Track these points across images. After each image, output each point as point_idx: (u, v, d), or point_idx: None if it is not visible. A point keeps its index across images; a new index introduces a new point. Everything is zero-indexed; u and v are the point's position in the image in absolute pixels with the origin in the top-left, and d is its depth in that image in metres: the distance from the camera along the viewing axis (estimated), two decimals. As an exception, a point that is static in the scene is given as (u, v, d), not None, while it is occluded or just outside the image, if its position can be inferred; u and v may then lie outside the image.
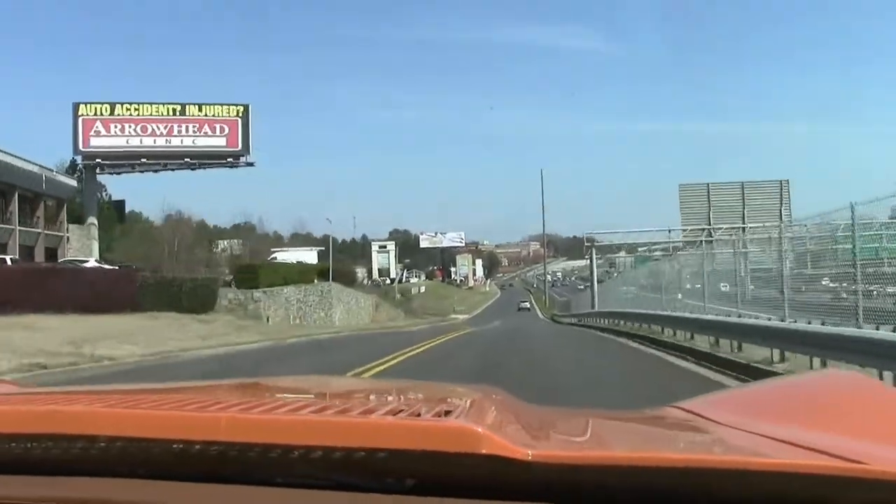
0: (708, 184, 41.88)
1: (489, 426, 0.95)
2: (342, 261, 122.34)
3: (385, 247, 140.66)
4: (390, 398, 1.59)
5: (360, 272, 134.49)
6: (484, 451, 0.88)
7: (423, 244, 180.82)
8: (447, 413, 1.04)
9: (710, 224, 41.06)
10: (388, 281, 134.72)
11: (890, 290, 11.94)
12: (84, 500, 0.96)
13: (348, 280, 56.96)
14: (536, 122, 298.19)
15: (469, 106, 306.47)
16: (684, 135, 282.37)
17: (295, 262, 58.66)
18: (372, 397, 1.65)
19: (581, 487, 0.90)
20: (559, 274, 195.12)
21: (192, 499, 0.95)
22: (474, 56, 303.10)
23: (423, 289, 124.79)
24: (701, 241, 38.98)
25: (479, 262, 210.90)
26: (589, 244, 47.02)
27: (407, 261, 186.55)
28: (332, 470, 0.91)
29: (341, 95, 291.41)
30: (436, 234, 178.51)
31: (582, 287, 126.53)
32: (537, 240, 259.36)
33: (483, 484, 0.89)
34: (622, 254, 61.95)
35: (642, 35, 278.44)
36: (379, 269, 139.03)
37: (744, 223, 40.04)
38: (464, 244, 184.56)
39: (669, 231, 42.37)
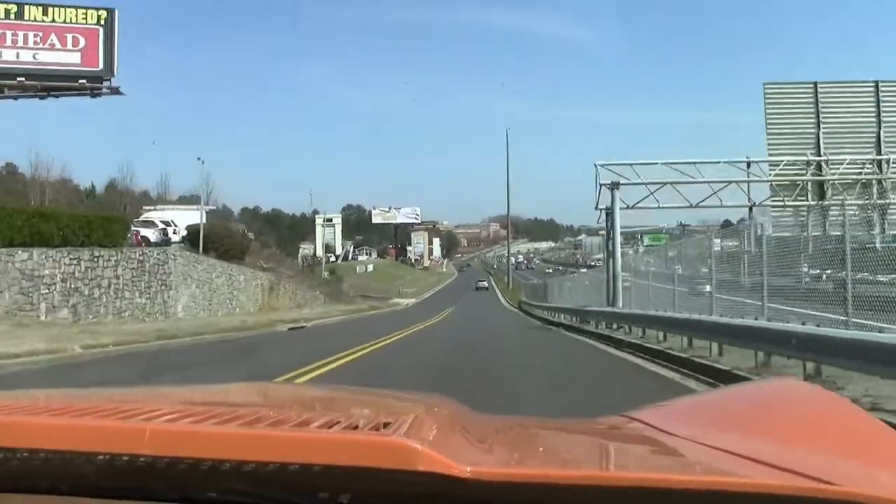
0: (815, 83, 23.49)
1: (428, 441, 0.92)
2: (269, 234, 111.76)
3: (330, 220, 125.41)
4: (329, 409, 1.55)
5: (306, 248, 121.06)
6: (421, 468, 0.85)
7: (376, 219, 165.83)
8: (386, 426, 1.01)
9: (819, 152, 23.60)
10: (332, 258, 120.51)
11: None
12: None
13: (238, 251, 41.57)
14: (498, 105, 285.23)
15: (431, 89, 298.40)
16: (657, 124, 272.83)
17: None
18: (309, 407, 1.54)
19: None
20: (520, 257, 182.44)
21: None
22: (434, 38, 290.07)
23: (370, 267, 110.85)
24: (803, 187, 24.04)
25: (436, 241, 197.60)
26: (610, 186, 24.21)
27: (359, 237, 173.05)
28: (265, 485, 0.87)
29: (308, 74, 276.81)
30: (389, 209, 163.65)
31: (550, 271, 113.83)
32: (497, 221, 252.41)
33: (421, 501, 0.87)
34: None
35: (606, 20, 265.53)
36: (326, 246, 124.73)
37: (879, 152, 23.65)
38: (419, 220, 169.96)
39: (748, 164, 23.80)
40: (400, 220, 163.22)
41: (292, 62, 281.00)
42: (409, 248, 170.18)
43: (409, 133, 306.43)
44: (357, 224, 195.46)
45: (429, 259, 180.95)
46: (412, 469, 0.85)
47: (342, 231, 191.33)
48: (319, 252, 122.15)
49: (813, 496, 0.83)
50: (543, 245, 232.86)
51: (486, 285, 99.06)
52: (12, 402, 1.29)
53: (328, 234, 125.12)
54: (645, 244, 61.12)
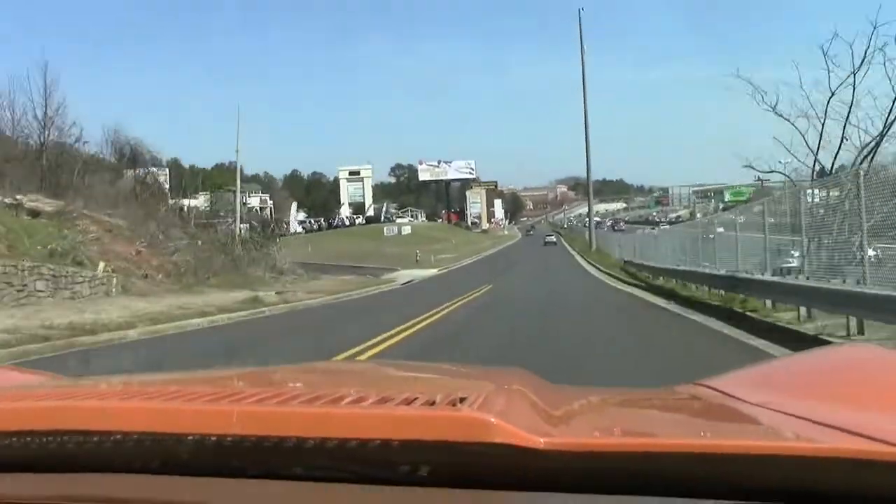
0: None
1: (503, 414, 0.94)
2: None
3: (357, 173, 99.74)
4: (406, 385, 1.58)
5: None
6: (496, 440, 0.87)
7: (423, 175, 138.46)
8: (462, 400, 1.01)
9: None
10: (359, 220, 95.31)
11: None
12: (98, 496, 0.94)
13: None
14: (560, 68, 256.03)
15: (489, 57, 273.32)
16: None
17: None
18: (387, 384, 1.60)
19: (597, 475, 0.88)
20: (596, 217, 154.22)
21: (207, 492, 0.93)
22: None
23: (406, 230, 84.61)
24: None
25: (498, 202, 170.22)
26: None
27: (399, 200, 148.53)
28: (347, 461, 0.90)
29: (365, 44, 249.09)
30: (438, 163, 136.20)
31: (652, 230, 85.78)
32: (564, 182, 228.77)
33: (497, 473, 0.89)
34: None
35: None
36: (350, 204, 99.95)
37: None
38: (475, 176, 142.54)
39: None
40: (451, 175, 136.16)
41: (349, 35, 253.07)
42: (466, 210, 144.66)
43: (468, 96, 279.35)
44: (408, 187, 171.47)
45: (490, 222, 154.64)
46: (488, 441, 0.86)
47: (389, 192, 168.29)
48: (346, 211, 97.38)
49: (891, 461, 0.81)
50: (614, 206, 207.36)
51: (554, 240, 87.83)
52: (102, 387, 1.31)
53: (353, 190, 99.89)
54: (726, 199, 55.94)
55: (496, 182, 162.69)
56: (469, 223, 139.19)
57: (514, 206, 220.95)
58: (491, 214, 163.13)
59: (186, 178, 46.45)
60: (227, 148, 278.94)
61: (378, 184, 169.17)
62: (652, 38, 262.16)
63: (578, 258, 50.68)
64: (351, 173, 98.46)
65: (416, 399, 1.01)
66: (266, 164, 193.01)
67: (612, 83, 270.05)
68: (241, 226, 30.36)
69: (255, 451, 0.91)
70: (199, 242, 24.40)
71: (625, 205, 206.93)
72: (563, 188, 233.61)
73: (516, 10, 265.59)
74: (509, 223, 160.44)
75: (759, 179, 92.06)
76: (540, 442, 0.87)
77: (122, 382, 1.49)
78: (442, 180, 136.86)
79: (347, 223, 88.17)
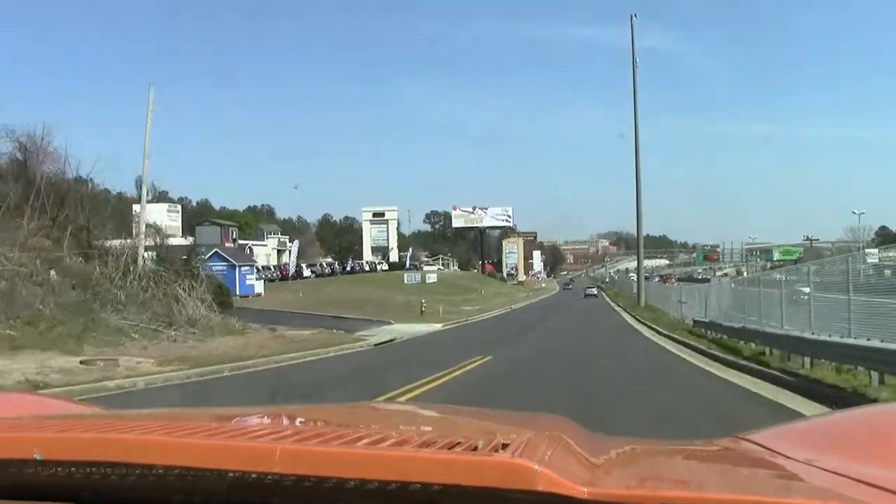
0: None
1: (545, 462, 0.92)
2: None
3: (382, 214, 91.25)
4: (448, 429, 1.57)
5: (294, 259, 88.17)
6: (540, 488, 0.85)
7: (457, 222, 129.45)
8: (504, 446, 0.99)
9: None
10: (382, 266, 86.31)
11: None
12: None
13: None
14: (602, 122, 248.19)
15: (532, 107, 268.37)
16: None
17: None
18: (429, 428, 1.56)
19: None
20: (632, 275, 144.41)
21: None
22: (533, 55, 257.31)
23: (431, 278, 75.43)
24: None
25: (536, 253, 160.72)
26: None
27: (433, 248, 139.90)
28: (387, 503, 0.89)
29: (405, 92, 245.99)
30: (473, 209, 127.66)
31: (675, 282, 75.59)
32: (606, 237, 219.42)
33: None
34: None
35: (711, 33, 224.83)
36: (373, 248, 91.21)
37: None
38: (512, 224, 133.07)
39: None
40: (487, 222, 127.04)
41: (390, 82, 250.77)
42: (503, 260, 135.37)
43: (510, 148, 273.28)
44: (443, 235, 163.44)
45: (528, 274, 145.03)
46: (531, 489, 0.84)
47: (423, 240, 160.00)
48: (368, 255, 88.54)
49: None
50: (657, 262, 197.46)
51: (595, 292, 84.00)
52: (147, 420, 1.32)
53: (377, 233, 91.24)
54: (774, 258, 57.21)
55: (535, 233, 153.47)
56: (505, 274, 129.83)
57: (554, 259, 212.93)
58: (529, 266, 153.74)
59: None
60: (263, 192, 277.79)
61: (414, 232, 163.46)
62: (699, 94, 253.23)
63: (625, 315, 40.54)
64: (375, 215, 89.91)
65: (458, 443, 0.99)
66: (301, 209, 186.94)
67: (657, 140, 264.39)
68: (146, 254, 21.21)
69: (296, 489, 0.89)
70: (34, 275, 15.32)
71: (668, 261, 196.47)
72: (605, 242, 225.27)
73: (561, 62, 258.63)
74: (548, 276, 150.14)
75: (807, 239, 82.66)
76: (583, 491, 0.85)
77: (166, 416, 1.50)
78: (477, 227, 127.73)
79: (368, 268, 79.14)
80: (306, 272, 66.24)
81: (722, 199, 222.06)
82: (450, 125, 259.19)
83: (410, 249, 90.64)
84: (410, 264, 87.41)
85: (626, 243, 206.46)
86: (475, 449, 0.97)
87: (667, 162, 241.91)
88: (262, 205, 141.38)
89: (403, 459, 0.91)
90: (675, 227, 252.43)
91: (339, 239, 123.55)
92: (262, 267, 64.21)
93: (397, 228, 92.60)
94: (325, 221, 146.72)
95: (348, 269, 74.69)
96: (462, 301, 51.90)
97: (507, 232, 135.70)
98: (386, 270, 79.10)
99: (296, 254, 64.70)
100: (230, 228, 57.38)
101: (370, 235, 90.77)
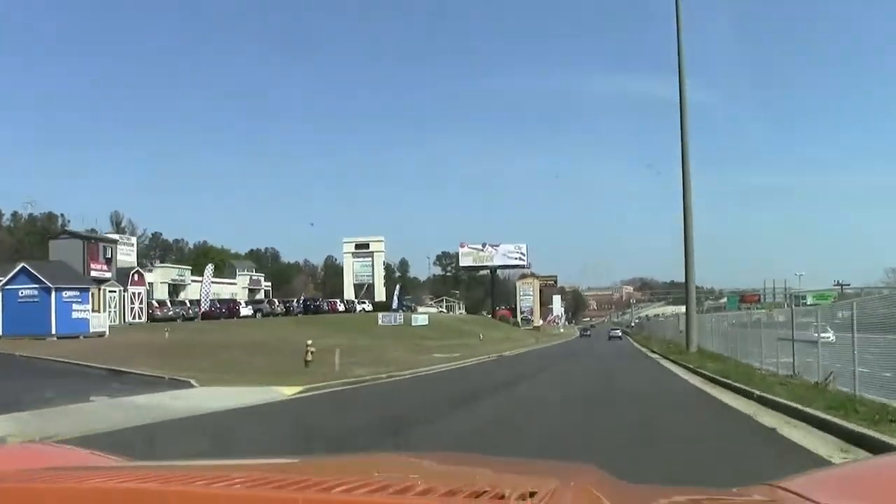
0: None
1: None
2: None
3: (366, 246, 76.85)
4: (473, 478, 1.46)
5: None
6: None
7: (465, 261, 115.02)
8: (532, 495, 0.97)
9: None
10: (363, 305, 72.03)
11: None
12: None
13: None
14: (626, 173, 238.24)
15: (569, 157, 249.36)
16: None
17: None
18: (454, 477, 1.52)
19: None
20: (661, 318, 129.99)
21: None
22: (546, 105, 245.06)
23: (420, 320, 61.09)
24: None
25: (556, 298, 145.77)
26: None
27: (443, 292, 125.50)
28: None
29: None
30: (483, 246, 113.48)
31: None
32: (630, 283, 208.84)
33: None
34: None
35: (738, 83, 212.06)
36: (356, 286, 76.84)
37: None
38: (526, 264, 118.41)
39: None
40: (498, 261, 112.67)
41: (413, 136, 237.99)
42: (517, 303, 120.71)
43: (533, 192, 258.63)
44: (455, 278, 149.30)
45: (547, 318, 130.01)
46: None
47: (434, 284, 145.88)
48: (349, 294, 74.21)
49: None
50: (682, 309, 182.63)
51: (619, 334, 77.06)
52: (164, 471, 1.27)
53: (360, 268, 76.91)
54: (808, 303, 55.11)
55: (556, 276, 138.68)
56: (519, 318, 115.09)
57: (576, 305, 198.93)
58: (548, 311, 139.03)
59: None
60: (266, 235, 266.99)
61: (429, 277, 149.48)
62: (731, 144, 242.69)
63: (670, 366, 25.52)
64: (358, 247, 75.76)
65: (484, 492, 0.96)
66: (309, 253, 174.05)
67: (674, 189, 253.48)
68: None
69: None
70: None
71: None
72: (629, 288, 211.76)
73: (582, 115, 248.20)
74: (569, 322, 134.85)
75: (838, 284, 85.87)
76: None
77: (185, 465, 1.46)
78: (487, 266, 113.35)
79: (344, 308, 64.80)
80: (245, 310, 52.17)
81: (753, 248, 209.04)
82: (477, 176, 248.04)
83: (398, 287, 75.96)
84: (400, 305, 72.77)
85: (650, 290, 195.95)
86: (502, 497, 0.93)
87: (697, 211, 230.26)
88: (266, 248, 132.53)
89: None
90: (702, 275, 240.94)
91: (336, 279, 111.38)
92: (190, 301, 50.31)
93: (374, 259, 78.04)
94: (329, 264, 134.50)
95: (312, 307, 60.23)
96: (441, 347, 37.57)
97: (525, 275, 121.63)
98: (369, 311, 64.71)
99: (261, 289, 50.58)
100: (103, 245, 43.01)
101: (352, 271, 76.56)
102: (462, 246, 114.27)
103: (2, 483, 1.11)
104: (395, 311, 66.86)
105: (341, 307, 65.10)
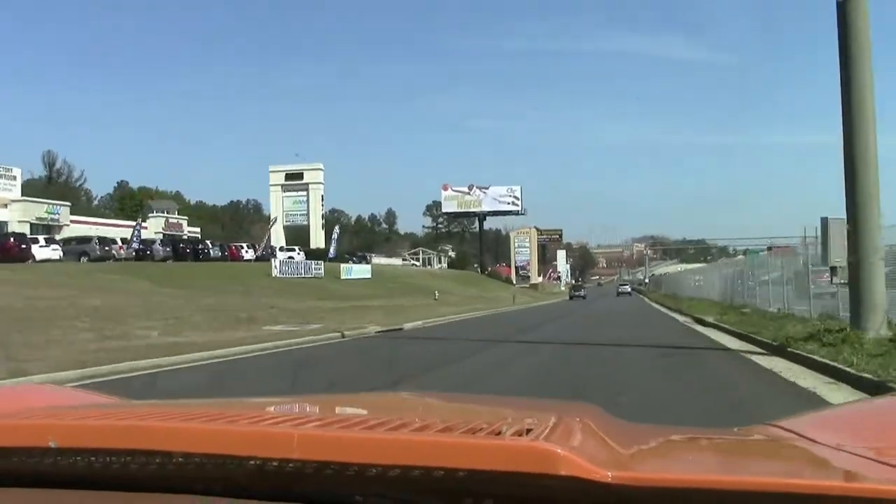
0: None
1: (570, 446, 0.91)
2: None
3: (300, 176, 58.23)
4: (470, 415, 1.49)
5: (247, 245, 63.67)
6: (562, 473, 0.83)
7: (448, 206, 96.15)
8: (528, 432, 0.98)
9: None
10: (294, 254, 54.71)
11: None
12: None
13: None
14: (642, 131, 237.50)
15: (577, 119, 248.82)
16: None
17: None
18: (451, 414, 1.52)
19: None
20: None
21: None
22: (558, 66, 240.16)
23: (359, 272, 43.61)
24: None
25: (561, 253, 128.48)
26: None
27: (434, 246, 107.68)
28: (410, 490, 0.87)
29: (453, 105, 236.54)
30: (470, 188, 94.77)
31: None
32: (641, 241, 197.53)
33: None
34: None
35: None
36: (286, 227, 59.43)
37: None
38: (520, 208, 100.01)
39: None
40: (487, 206, 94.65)
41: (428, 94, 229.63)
42: (511, 256, 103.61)
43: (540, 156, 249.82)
44: (448, 232, 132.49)
45: (547, 275, 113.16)
46: (555, 474, 0.83)
47: (425, 238, 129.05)
48: (276, 238, 56.70)
49: None
50: (694, 266, 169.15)
51: (629, 290, 73.78)
52: (166, 408, 1.30)
53: (291, 204, 59.14)
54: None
55: (560, 230, 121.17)
56: (513, 274, 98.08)
57: (584, 262, 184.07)
58: (552, 268, 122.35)
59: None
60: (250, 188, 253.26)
61: (426, 231, 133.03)
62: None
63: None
64: (289, 177, 57.75)
65: (481, 429, 0.97)
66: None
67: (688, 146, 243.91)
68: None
69: (316, 476, 0.87)
70: None
71: (706, 265, 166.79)
72: (640, 246, 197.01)
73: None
74: (576, 280, 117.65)
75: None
76: (608, 476, 0.83)
77: (184, 404, 1.47)
78: (474, 213, 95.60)
79: (255, 256, 47.36)
80: (46, 251, 35.31)
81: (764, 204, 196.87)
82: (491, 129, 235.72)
83: (336, 229, 58.08)
84: (346, 255, 55.28)
85: (661, 248, 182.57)
86: (498, 433, 0.94)
87: (708, 167, 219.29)
88: (247, 200, 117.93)
89: (426, 444, 0.89)
90: (715, 232, 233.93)
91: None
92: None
93: (310, 193, 59.24)
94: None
95: (198, 252, 42.97)
96: (337, 311, 20.42)
97: (510, 214, 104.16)
98: (291, 259, 47.31)
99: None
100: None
101: (282, 207, 58.79)
102: (445, 188, 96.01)
103: (3, 420, 1.11)
104: (331, 260, 49.36)
105: (250, 254, 47.75)
